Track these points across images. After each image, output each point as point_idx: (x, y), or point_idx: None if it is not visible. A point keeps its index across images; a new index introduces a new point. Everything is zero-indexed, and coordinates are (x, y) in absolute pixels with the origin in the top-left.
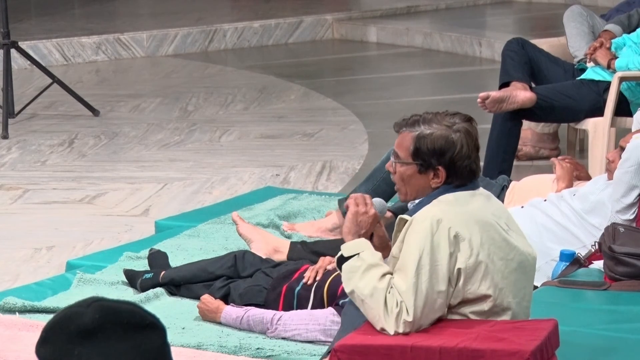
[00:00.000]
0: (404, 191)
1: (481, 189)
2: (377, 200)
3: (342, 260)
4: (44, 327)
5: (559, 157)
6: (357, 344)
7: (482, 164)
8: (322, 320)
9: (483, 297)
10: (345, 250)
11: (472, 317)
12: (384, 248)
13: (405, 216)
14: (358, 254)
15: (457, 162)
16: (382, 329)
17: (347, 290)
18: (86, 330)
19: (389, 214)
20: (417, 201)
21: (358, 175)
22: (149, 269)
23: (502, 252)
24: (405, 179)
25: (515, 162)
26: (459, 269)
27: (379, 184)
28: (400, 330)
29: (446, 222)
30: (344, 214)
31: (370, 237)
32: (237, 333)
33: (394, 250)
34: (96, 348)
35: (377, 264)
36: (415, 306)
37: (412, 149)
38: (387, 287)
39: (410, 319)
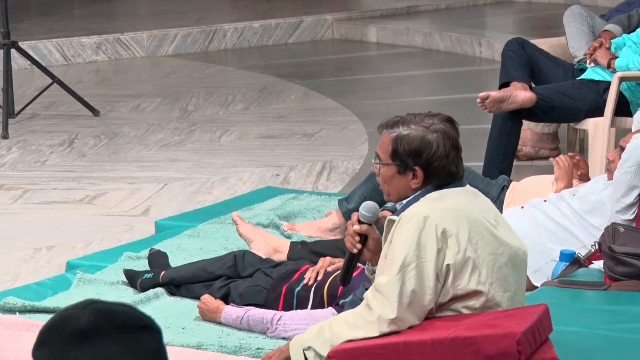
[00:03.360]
0: (387, 192)
1: (468, 186)
2: (370, 204)
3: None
4: (40, 330)
5: (569, 154)
6: (351, 347)
7: (482, 164)
8: (322, 320)
9: (473, 293)
10: (295, 357)
11: (465, 312)
12: (378, 251)
13: (393, 217)
14: (303, 349)
15: (433, 163)
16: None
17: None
18: (82, 332)
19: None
20: (404, 202)
21: (358, 175)
22: (149, 269)
23: (491, 247)
24: (386, 180)
25: (515, 162)
26: (448, 265)
27: (379, 184)
28: (387, 329)
29: (433, 218)
30: (344, 213)
31: (366, 240)
32: (237, 333)
33: (384, 251)
34: (92, 350)
35: (316, 330)
36: (400, 303)
37: (390, 150)
38: (343, 316)
39: (392, 315)
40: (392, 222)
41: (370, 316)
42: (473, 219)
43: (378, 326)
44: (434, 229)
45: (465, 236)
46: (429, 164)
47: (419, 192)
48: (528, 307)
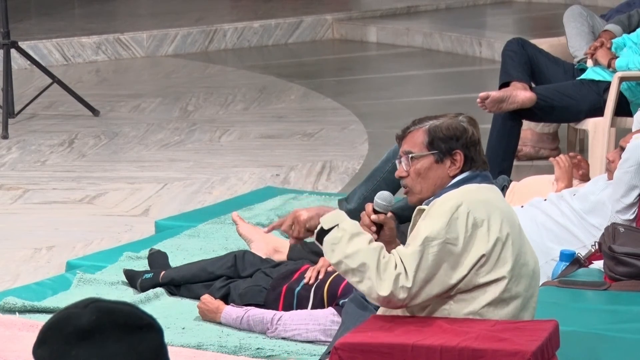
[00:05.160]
0: (419, 189)
1: (493, 186)
2: (385, 193)
3: (321, 234)
4: (41, 329)
5: (570, 154)
6: (358, 342)
7: None
8: (322, 320)
9: (496, 281)
10: (325, 222)
11: (483, 302)
12: (392, 241)
13: (423, 206)
14: (337, 225)
15: (470, 147)
16: (378, 296)
17: (333, 262)
18: (83, 331)
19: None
20: (432, 199)
21: (358, 175)
22: (149, 269)
23: (519, 242)
24: (422, 174)
25: (515, 162)
26: (475, 255)
27: (379, 184)
28: (398, 295)
29: (466, 206)
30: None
31: (381, 229)
32: (237, 333)
33: (409, 239)
34: (93, 349)
35: (360, 232)
36: (417, 275)
37: (427, 140)
38: (379, 250)
39: (408, 284)
40: (421, 211)
41: (395, 271)
42: (504, 212)
43: (394, 284)
44: (465, 216)
45: (496, 227)
46: (468, 147)
47: (457, 178)
48: (539, 321)
